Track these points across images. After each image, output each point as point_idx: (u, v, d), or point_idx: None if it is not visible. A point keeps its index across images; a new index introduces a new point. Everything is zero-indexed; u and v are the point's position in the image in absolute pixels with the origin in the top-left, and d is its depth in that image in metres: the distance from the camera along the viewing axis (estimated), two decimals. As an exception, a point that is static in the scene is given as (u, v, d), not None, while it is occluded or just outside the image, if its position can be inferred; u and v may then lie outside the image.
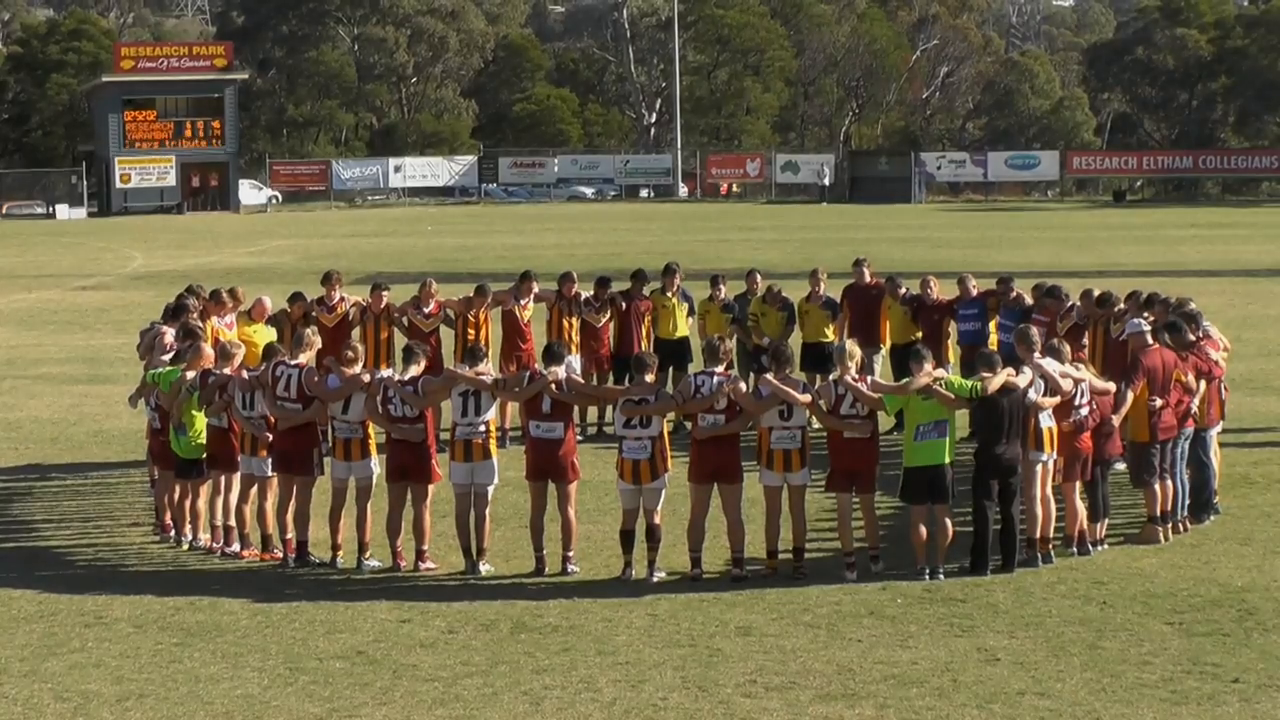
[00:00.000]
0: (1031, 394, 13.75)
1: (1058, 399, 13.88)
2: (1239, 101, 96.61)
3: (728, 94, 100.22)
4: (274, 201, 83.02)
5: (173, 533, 15.18)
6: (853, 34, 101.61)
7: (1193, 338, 15.16)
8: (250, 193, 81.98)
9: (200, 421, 14.69)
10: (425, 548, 14.18)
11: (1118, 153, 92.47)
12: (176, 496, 15.15)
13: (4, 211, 76.83)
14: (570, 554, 13.84)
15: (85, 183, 79.48)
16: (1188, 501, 15.12)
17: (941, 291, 20.04)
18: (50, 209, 77.35)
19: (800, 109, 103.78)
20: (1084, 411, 14.13)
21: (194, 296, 17.74)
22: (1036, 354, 14.05)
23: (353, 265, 37.28)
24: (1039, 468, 13.94)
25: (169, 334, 16.21)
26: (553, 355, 14.25)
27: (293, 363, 14.54)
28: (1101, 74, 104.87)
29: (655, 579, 13.54)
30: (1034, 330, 14.74)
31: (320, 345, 15.76)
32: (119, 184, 78.58)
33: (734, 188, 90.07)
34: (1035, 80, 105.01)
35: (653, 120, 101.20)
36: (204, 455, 14.76)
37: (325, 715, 10.59)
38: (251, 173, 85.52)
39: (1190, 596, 12.94)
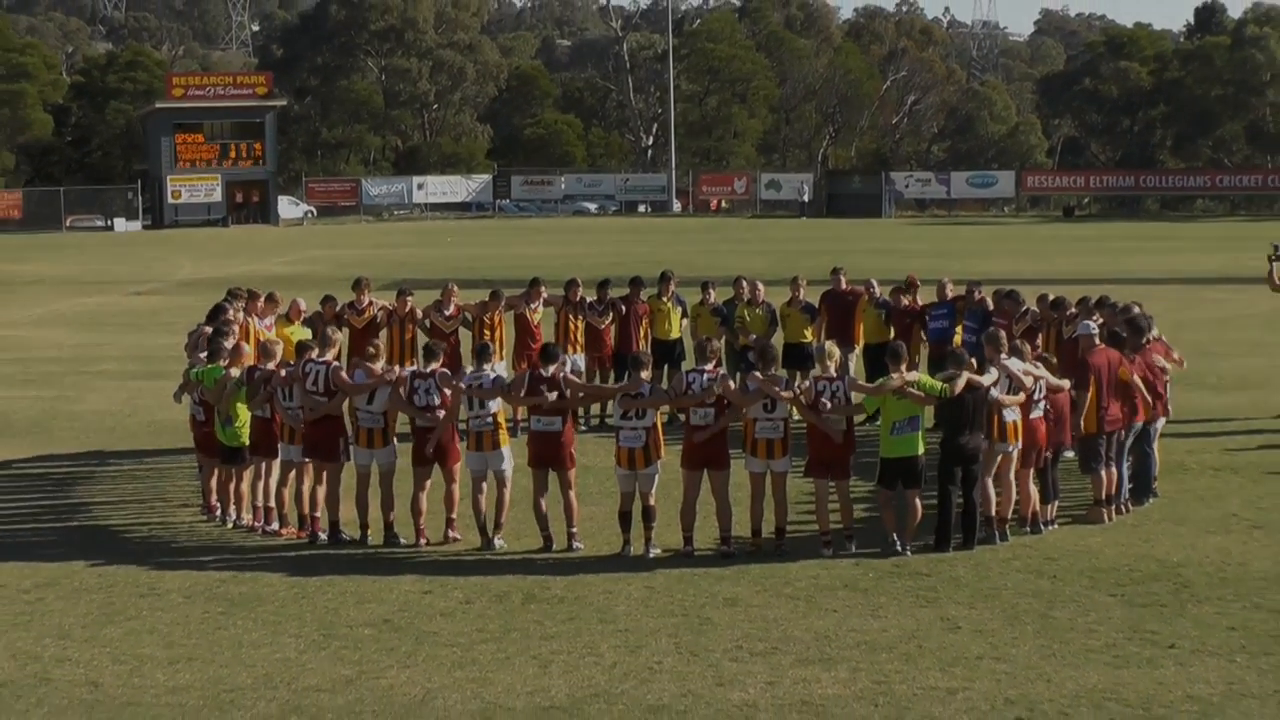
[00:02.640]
0: (995, 391, 13.77)
1: (1021, 396, 13.90)
2: (1176, 127, 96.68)
3: (717, 119, 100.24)
4: (309, 216, 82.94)
5: (218, 513, 15.20)
6: (829, 65, 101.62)
7: (1144, 340, 15.27)
8: (288, 208, 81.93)
9: (244, 413, 14.70)
10: (454, 516, 14.21)
11: (1067, 173, 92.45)
12: (221, 480, 15.18)
13: (68, 224, 76.78)
14: (574, 530, 13.86)
15: (140, 199, 79.41)
16: (1130, 486, 15.16)
17: (917, 295, 20.12)
18: (109, 222, 77.32)
19: (782, 133, 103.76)
20: (1041, 406, 14.17)
21: (235, 298, 17.70)
22: (1003, 355, 14.06)
23: (380, 273, 37.20)
24: (1000, 456, 13.97)
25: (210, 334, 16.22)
26: (549, 355, 14.26)
27: (320, 359, 14.55)
28: (1053, 102, 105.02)
29: (652, 554, 13.57)
30: (1002, 334, 14.76)
31: (344, 343, 15.75)
32: (170, 200, 78.55)
33: (723, 204, 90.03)
34: (993, 107, 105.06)
35: (649, 143, 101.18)
36: (247, 444, 14.76)
37: (355, 677, 10.61)
38: (289, 190, 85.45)
39: (1131, 571, 12.98)
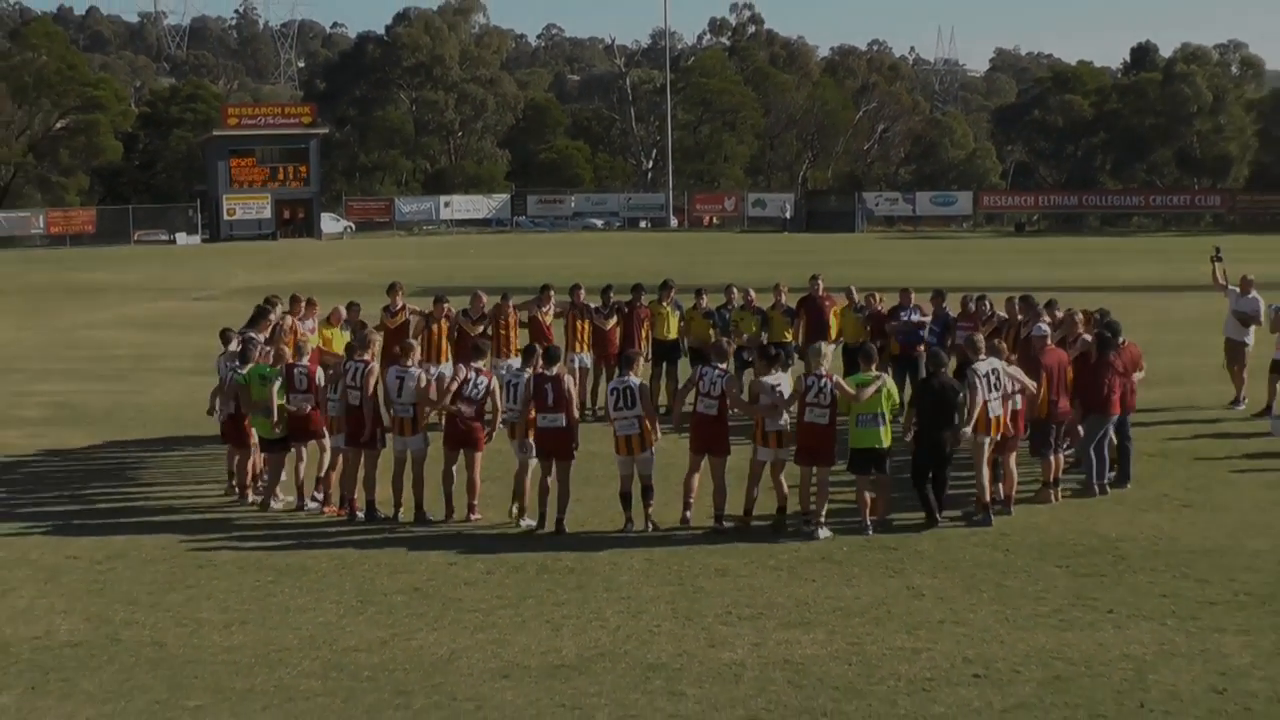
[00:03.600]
0: (980, 390, 13.72)
1: (1006, 391, 13.86)
2: (1114, 153, 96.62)
3: (709, 145, 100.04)
4: (349, 231, 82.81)
5: (250, 496, 15.14)
6: (809, 98, 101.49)
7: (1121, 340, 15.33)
8: (330, 223, 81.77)
9: (281, 409, 14.70)
10: (475, 501, 14.20)
11: (1019, 193, 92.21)
12: (251, 465, 15.13)
13: (136, 239, 76.69)
14: (563, 517, 13.71)
15: (199, 216, 79.27)
16: (1112, 474, 15.07)
17: (885, 301, 20.12)
18: (172, 237, 77.19)
19: (767, 157, 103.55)
20: (1018, 400, 14.15)
21: (272, 307, 17.51)
22: (982, 356, 14.00)
23: (411, 280, 37.17)
24: (986, 446, 13.87)
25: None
26: (551, 357, 14.25)
27: (359, 359, 14.55)
28: (1006, 130, 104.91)
29: (650, 529, 13.56)
30: (979, 338, 14.71)
31: (381, 343, 15.73)
32: (226, 216, 78.43)
33: (714, 220, 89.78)
34: (953, 135, 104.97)
35: (649, 166, 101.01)
36: (284, 434, 14.71)
37: (388, 638, 10.61)
38: (331, 207, 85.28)
39: (1075, 545, 12.97)
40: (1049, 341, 14.99)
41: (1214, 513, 14.18)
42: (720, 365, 14.10)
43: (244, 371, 15.08)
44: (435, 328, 18.99)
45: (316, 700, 9.44)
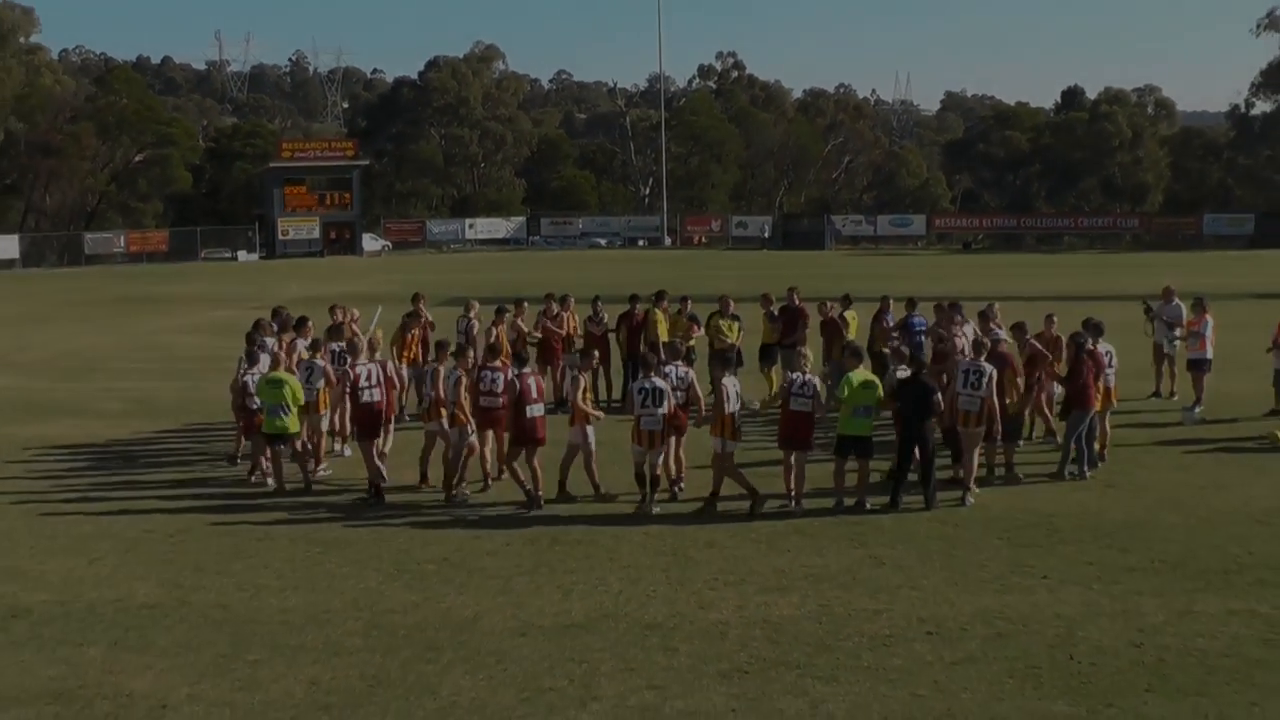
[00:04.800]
0: (958, 385, 13.80)
1: (984, 389, 13.81)
2: (1048, 181, 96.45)
3: (698, 174, 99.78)
4: (386, 249, 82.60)
5: (257, 475, 15.08)
6: (784, 134, 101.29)
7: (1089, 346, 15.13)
8: (370, 243, 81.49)
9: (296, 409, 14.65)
10: (488, 471, 14.32)
11: (966, 216, 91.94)
12: (269, 454, 14.95)
13: (202, 256, 76.48)
14: (539, 494, 13.68)
15: (258, 236, 79.15)
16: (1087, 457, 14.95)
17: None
18: (234, 254, 77.05)
19: (748, 184, 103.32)
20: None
21: (277, 316, 17.71)
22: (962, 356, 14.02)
23: (439, 291, 37.23)
24: (969, 436, 13.91)
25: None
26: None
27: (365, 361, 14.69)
28: (954, 161, 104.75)
29: (654, 510, 13.50)
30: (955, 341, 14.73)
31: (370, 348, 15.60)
32: (280, 237, 78.22)
33: (703, 239, 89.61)
34: (909, 166, 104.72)
35: (646, 192, 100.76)
36: (291, 430, 14.58)
37: (421, 602, 10.60)
38: (371, 229, 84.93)
39: (1014, 520, 12.96)
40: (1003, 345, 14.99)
41: (1134, 492, 14.17)
42: (679, 363, 14.17)
43: (255, 377, 14.97)
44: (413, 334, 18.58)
45: (359, 655, 9.43)
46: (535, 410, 13.74)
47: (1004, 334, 15.53)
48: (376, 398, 14.54)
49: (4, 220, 79.96)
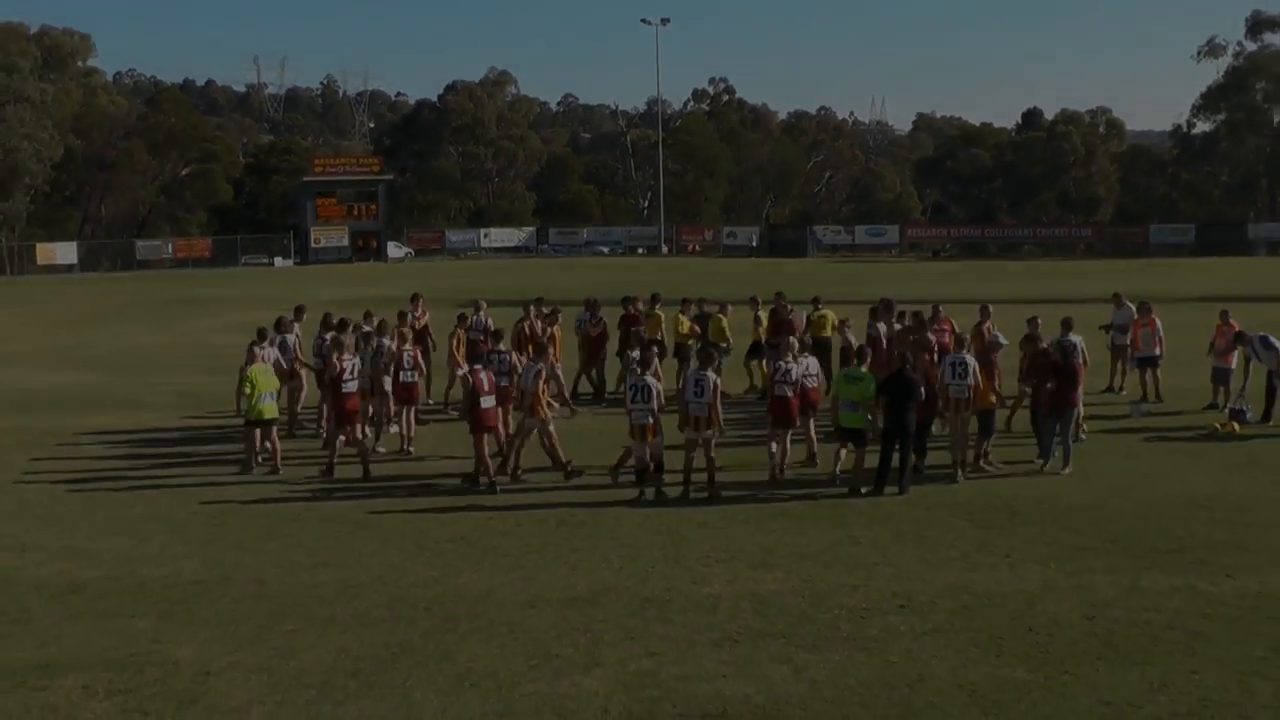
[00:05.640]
0: (946, 375, 13.92)
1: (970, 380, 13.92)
2: (1009, 195, 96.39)
3: (692, 189, 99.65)
4: (409, 256, 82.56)
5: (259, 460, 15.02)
6: (771, 152, 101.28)
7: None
8: (394, 250, 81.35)
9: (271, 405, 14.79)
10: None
11: (935, 226, 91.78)
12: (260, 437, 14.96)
13: (242, 262, 76.43)
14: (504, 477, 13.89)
15: (292, 244, 79.07)
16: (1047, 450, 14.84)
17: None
18: (271, 260, 77.00)
19: (737, 198, 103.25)
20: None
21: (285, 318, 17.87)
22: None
23: (456, 295, 37.20)
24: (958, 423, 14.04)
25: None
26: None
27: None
28: (926, 177, 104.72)
29: (650, 497, 13.46)
30: (932, 338, 14.77)
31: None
32: (313, 244, 78.11)
33: (696, 248, 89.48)
34: (884, 180, 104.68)
35: (645, 205, 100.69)
36: (266, 417, 14.69)
37: (440, 576, 10.58)
38: (395, 237, 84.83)
39: (980, 504, 12.95)
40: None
41: (1087, 479, 14.14)
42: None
43: (248, 370, 14.88)
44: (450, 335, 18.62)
45: (384, 625, 9.41)
46: (487, 402, 13.79)
47: (1001, 337, 15.65)
48: (353, 389, 14.74)
49: (63, 229, 79.96)
